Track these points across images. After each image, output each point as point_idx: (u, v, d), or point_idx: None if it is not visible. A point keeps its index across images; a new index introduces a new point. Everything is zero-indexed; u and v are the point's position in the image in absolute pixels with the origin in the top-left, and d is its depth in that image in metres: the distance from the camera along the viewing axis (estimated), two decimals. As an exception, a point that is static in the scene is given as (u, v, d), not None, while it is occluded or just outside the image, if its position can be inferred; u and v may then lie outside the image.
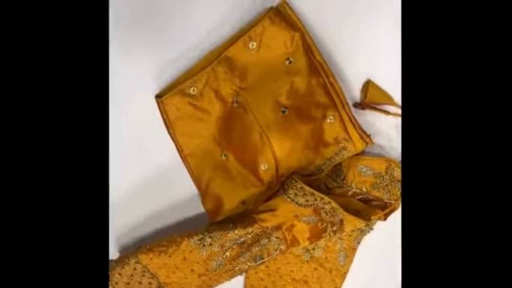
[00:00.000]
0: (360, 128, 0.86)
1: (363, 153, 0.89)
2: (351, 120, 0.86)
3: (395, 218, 0.88)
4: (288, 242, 0.87)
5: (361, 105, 0.89)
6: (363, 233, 0.90)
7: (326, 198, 0.83)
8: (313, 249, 0.91)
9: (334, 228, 0.86)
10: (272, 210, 0.86)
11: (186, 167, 0.91)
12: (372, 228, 0.90)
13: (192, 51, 0.88)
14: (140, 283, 0.87)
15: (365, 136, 0.86)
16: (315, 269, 0.92)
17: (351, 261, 0.92)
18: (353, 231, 0.89)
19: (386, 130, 0.90)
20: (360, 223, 0.85)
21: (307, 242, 0.88)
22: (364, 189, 0.90)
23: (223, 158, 0.89)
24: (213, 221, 0.90)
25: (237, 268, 0.88)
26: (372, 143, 0.87)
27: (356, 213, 0.85)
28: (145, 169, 0.92)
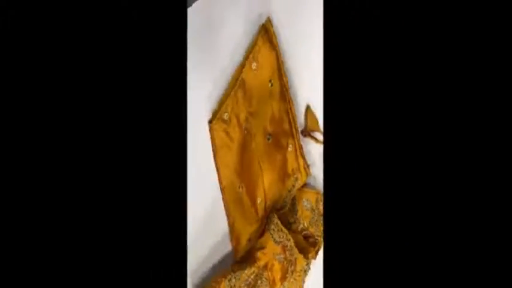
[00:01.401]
0: (304, 157, 0.84)
1: (305, 185, 0.86)
2: (300, 149, 0.84)
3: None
4: (271, 282, 0.81)
5: (302, 132, 0.86)
6: (305, 273, 0.85)
7: (288, 235, 0.80)
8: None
9: (292, 268, 0.82)
10: (262, 248, 0.81)
11: (223, 200, 0.82)
12: (309, 268, 0.85)
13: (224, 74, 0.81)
14: None
15: (307, 167, 0.84)
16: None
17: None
18: (301, 270, 0.84)
19: (319, 159, 0.86)
20: (303, 262, 0.82)
21: (279, 284, 0.82)
22: (306, 225, 0.86)
23: (240, 190, 0.82)
24: (235, 259, 0.83)
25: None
26: (310, 173, 0.84)
27: (302, 251, 0.82)
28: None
